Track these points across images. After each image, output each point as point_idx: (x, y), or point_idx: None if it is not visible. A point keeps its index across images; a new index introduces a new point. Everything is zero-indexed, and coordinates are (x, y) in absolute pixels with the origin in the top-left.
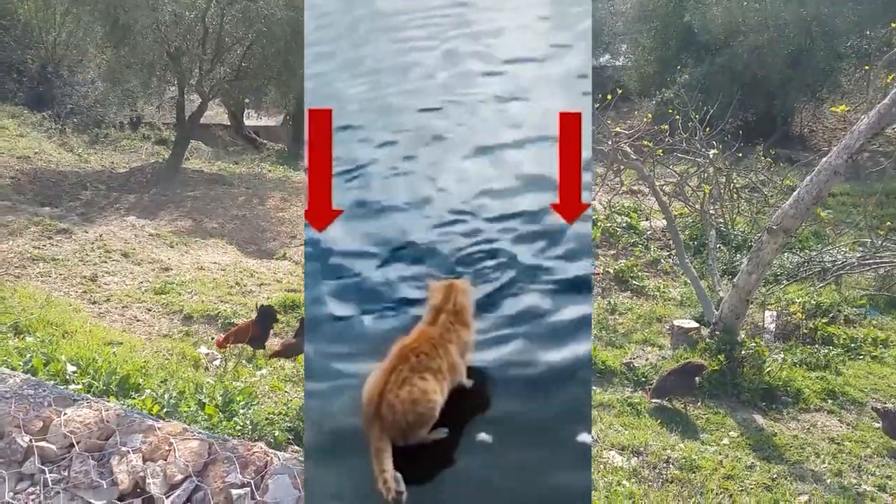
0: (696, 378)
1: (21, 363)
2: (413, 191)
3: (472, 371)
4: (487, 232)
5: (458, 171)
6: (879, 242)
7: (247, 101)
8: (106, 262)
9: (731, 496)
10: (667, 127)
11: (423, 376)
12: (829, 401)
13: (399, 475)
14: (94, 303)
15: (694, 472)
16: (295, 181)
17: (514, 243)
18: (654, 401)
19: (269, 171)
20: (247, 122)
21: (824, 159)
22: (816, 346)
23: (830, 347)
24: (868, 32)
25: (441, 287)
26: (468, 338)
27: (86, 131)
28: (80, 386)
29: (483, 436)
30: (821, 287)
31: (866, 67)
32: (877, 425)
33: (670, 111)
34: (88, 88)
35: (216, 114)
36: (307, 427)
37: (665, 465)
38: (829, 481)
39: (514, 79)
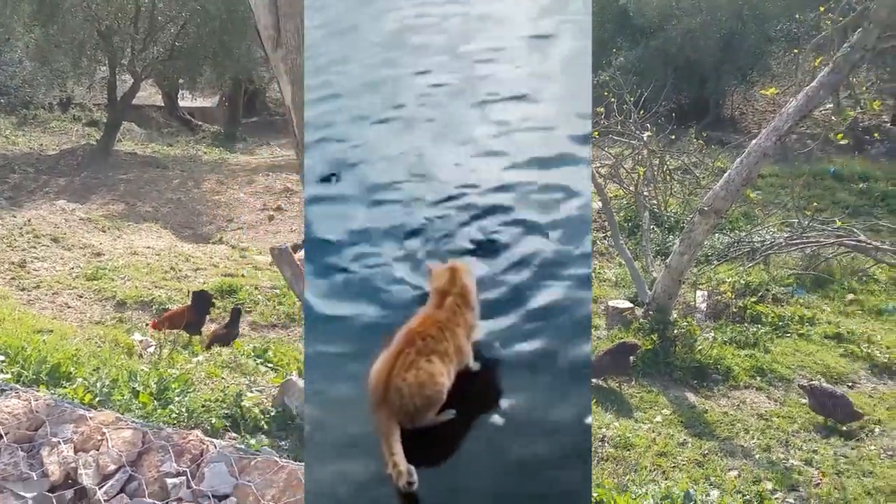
0: (631, 357)
1: None
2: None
3: (479, 355)
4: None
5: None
6: (806, 223)
7: (181, 81)
8: (35, 247)
9: (664, 472)
10: (602, 109)
11: (429, 359)
12: (758, 378)
13: (412, 468)
14: (23, 289)
15: (628, 450)
16: (231, 164)
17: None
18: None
19: (205, 153)
20: (181, 104)
21: (754, 141)
22: (746, 324)
23: (759, 326)
24: (797, 16)
25: (444, 270)
26: (473, 320)
27: (13, 112)
28: (9, 375)
29: (496, 418)
30: (750, 267)
31: (795, 51)
32: (803, 401)
33: (606, 94)
34: (16, 68)
35: (149, 94)
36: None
37: (600, 443)
38: (757, 456)
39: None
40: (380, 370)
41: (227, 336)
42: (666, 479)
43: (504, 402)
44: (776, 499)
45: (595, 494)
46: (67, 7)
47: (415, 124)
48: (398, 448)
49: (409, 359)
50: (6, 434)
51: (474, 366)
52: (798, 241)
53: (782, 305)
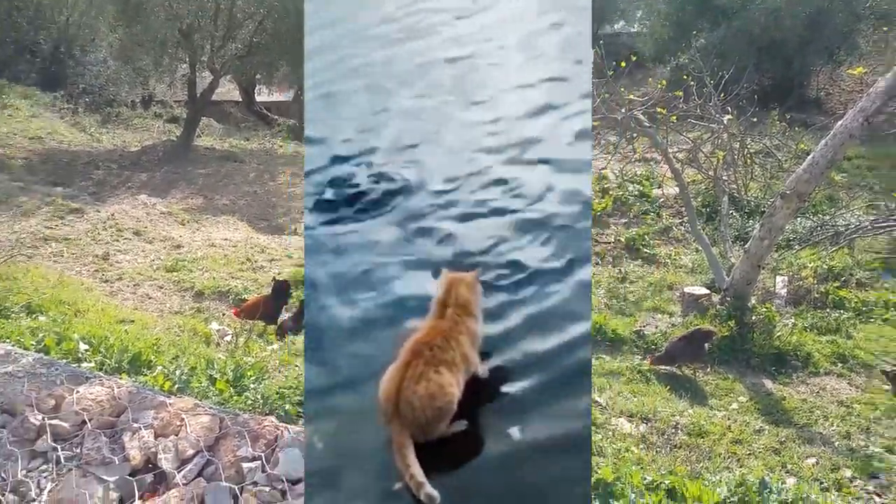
0: (706, 344)
1: (34, 342)
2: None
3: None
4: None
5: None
6: (893, 206)
7: (258, 77)
8: (118, 240)
9: (738, 460)
10: (681, 93)
11: (437, 370)
12: (839, 364)
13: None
14: (106, 281)
15: (702, 438)
16: None
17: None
18: (656, 367)
19: (280, 147)
20: (258, 99)
21: (839, 122)
22: (828, 310)
23: (842, 311)
24: None
25: (443, 282)
26: (477, 329)
27: (98, 110)
28: (92, 364)
29: (514, 430)
30: (833, 251)
31: (885, 29)
32: (886, 388)
33: (685, 77)
34: (100, 67)
35: (227, 90)
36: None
37: (673, 430)
38: (837, 444)
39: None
40: (389, 383)
41: (294, 328)
42: (741, 467)
43: (515, 431)
44: (855, 486)
45: (667, 482)
46: (150, 7)
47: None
48: (413, 460)
49: (419, 370)
50: (90, 420)
51: (483, 373)
52: (885, 223)
53: (866, 290)
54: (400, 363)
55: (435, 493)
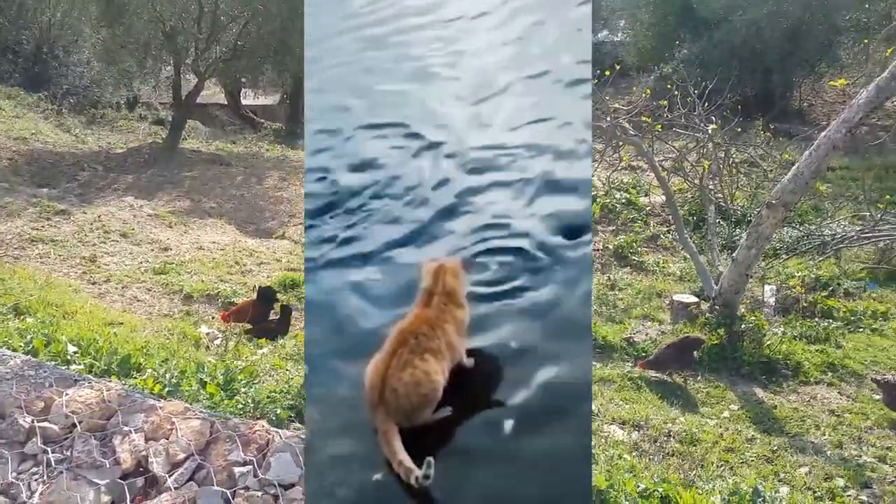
0: (694, 352)
1: (22, 344)
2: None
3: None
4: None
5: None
6: (878, 216)
7: (243, 80)
8: (105, 242)
9: (731, 468)
10: (665, 102)
11: (423, 357)
12: (829, 373)
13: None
14: (94, 283)
15: (694, 446)
16: (293, 160)
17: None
18: (647, 371)
19: (267, 150)
20: (244, 102)
21: (823, 133)
22: (816, 319)
23: (830, 321)
24: (867, 6)
25: (430, 270)
26: (463, 317)
27: (82, 112)
28: (81, 366)
29: (507, 423)
30: (820, 261)
31: (865, 41)
32: (877, 397)
33: (669, 86)
34: (84, 69)
35: (213, 93)
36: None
37: (666, 438)
38: (829, 453)
39: None
40: (375, 371)
41: (272, 332)
42: (734, 475)
43: (507, 424)
44: (848, 496)
45: (661, 490)
46: (133, 9)
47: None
48: (400, 447)
49: (404, 358)
50: (80, 423)
51: (468, 362)
52: (870, 234)
53: (854, 300)
54: (386, 351)
55: (424, 471)
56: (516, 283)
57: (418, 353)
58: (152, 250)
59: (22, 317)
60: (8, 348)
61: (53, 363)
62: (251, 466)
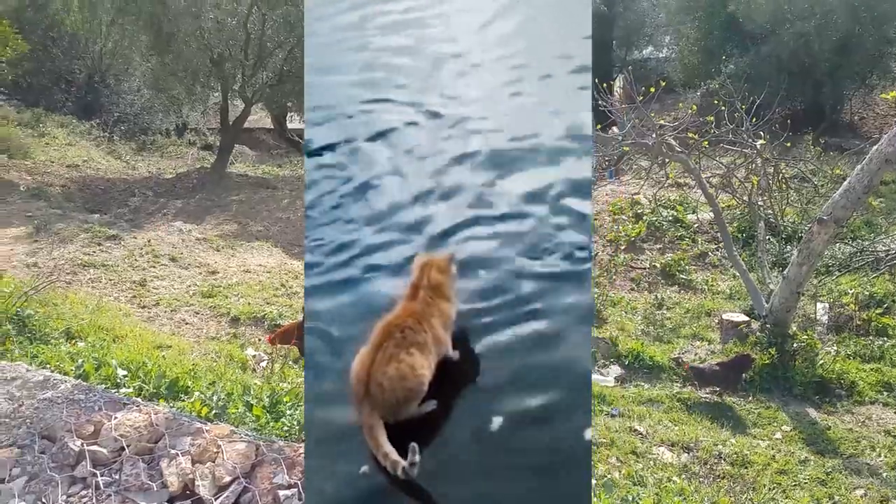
0: (744, 374)
1: (73, 368)
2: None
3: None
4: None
5: None
6: None
7: (289, 104)
8: (154, 266)
9: (784, 491)
10: (712, 118)
11: (409, 351)
12: (885, 393)
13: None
14: (144, 307)
15: (746, 468)
16: None
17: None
18: (696, 388)
19: None
20: (290, 126)
21: (875, 147)
22: (870, 337)
23: (885, 338)
24: None
25: (417, 264)
26: (450, 311)
27: (133, 138)
28: (130, 390)
29: (496, 419)
30: (874, 277)
31: None
32: None
33: (716, 102)
34: (135, 96)
35: (259, 118)
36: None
37: (716, 460)
38: (885, 475)
39: None
40: (361, 365)
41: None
42: (786, 498)
43: (496, 421)
44: None
45: None
46: (182, 37)
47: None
48: (385, 440)
49: (389, 352)
50: (128, 446)
51: (454, 355)
52: None
53: None
54: (371, 345)
55: (410, 459)
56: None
57: (404, 347)
58: (200, 274)
59: (73, 341)
60: (60, 372)
61: (103, 387)
62: (296, 489)
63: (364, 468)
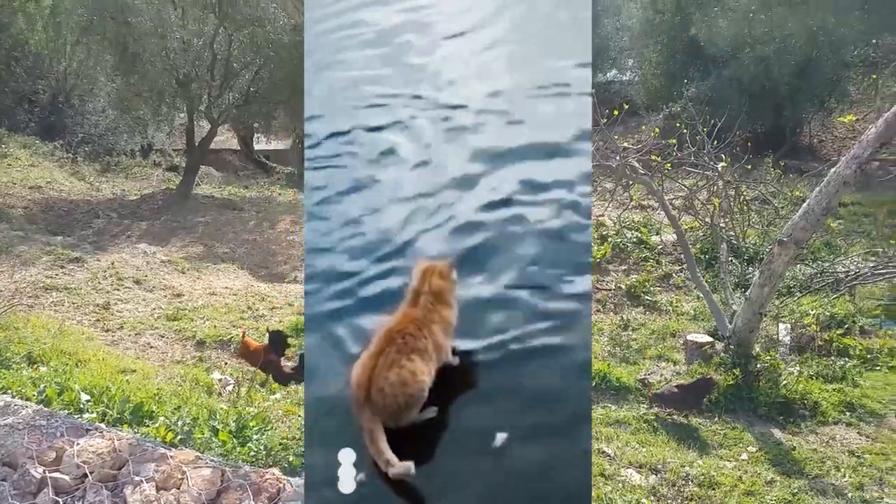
0: (705, 397)
1: (35, 393)
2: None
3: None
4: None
5: None
6: (892, 252)
7: (256, 125)
8: (118, 289)
9: None
10: (675, 141)
11: (410, 357)
12: (848, 413)
13: (411, 463)
14: (108, 330)
15: (713, 489)
16: None
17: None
18: (658, 404)
19: (280, 194)
20: (256, 147)
21: (833, 169)
22: (832, 357)
23: (846, 359)
24: (875, 41)
25: (418, 270)
26: (451, 318)
27: (97, 160)
28: (94, 415)
29: (499, 436)
30: (834, 298)
31: (874, 76)
32: None
33: (678, 125)
34: (99, 117)
35: (226, 139)
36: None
37: (684, 482)
38: (850, 495)
39: None
40: (362, 370)
41: (284, 378)
42: None
43: (499, 437)
44: None
45: None
46: (147, 57)
47: None
48: (385, 446)
49: (390, 358)
50: (91, 473)
51: (453, 361)
52: (884, 270)
53: (870, 337)
54: (372, 351)
55: (408, 463)
56: None
57: (405, 353)
58: (165, 296)
59: (35, 365)
60: (21, 397)
61: (66, 412)
62: None
63: (360, 475)
